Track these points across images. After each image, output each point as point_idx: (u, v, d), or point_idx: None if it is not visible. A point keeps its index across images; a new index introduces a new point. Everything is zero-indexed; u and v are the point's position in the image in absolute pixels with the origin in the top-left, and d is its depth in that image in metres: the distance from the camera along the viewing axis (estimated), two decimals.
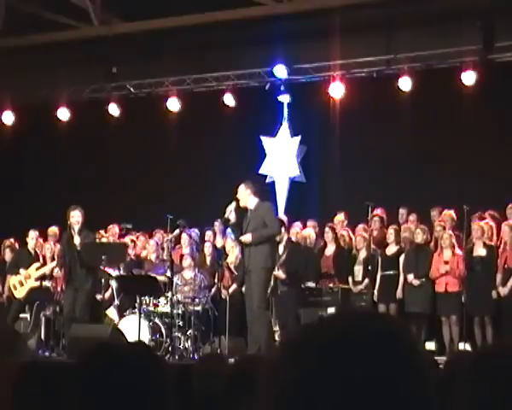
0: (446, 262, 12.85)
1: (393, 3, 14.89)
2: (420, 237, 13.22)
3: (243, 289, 12.38)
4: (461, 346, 12.43)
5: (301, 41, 15.63)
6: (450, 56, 14.76)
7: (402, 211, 14.45)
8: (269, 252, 11.39)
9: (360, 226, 14.22)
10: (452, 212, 13.47)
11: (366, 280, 13.48)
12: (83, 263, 12.52)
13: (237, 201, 11.63)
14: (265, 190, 12.11)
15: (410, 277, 13.11)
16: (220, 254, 14.10)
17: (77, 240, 12.50)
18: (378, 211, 14.17)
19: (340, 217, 14.59)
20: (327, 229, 14.07)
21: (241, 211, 11.66)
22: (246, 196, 11.51)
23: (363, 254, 13.66)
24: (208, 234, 14.97)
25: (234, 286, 13.90)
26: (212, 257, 14.43)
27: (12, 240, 15.45)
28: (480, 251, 12.72)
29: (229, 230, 14.88)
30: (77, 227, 12.52)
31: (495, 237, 12.98)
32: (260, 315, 11.28)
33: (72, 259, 12.50)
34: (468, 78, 14.51)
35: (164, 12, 15.40)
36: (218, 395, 3.64)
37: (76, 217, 12.54)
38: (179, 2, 15.11)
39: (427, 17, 14.76)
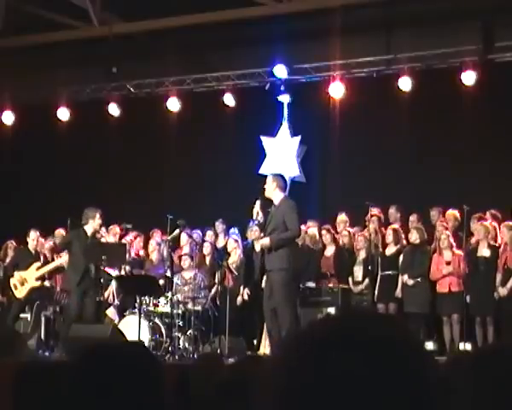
0: (448, 263, 12.83)
1: (393, 3, 14.90)
2: (414, 237, 13.22)
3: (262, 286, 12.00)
4: (461, 346, 12.43)
5: (301, 41, 15.64)
6: (450, 56, 14.75)
7: (391, 211, 14.31)
8: (286, 253, 10.97)
9: (360, 226, 14.22)
10: (456, 212, 13.45)
11: (366, 280, 13.47)
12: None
13: (261, 199, 11.50)
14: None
15: (405, 277, 13.12)
16: (221, 254, 14.09)
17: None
18: (376, 211, 14.15)
19: (342, 217, 14.55)
20: (324, 232, 14.07)
21: (268, 209, 11.40)
22: (271, 189, 11.33)
23: (362, 255, 13.66)
24: (209, 233, 14.95)
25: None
26: (212, 257, 14.40)
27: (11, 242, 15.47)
28: (484, 252, 12.70)
29: (232, 230, 14.87)
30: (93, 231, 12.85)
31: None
32: (284, 314, 10.86)
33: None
34: (468, 78, 14.51)
35: (164, 12, 15.41)
36: (215, 395, 3.64)
37: (100, 221, 12.93)
38: (179, 2, 15.12)
39: (427, 17, 14.77)
